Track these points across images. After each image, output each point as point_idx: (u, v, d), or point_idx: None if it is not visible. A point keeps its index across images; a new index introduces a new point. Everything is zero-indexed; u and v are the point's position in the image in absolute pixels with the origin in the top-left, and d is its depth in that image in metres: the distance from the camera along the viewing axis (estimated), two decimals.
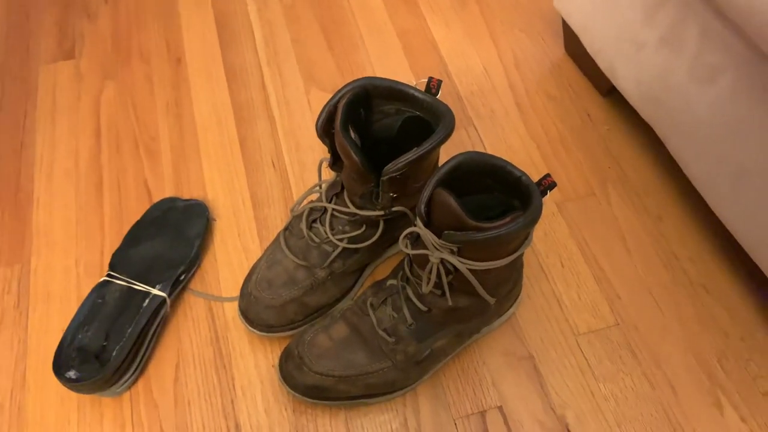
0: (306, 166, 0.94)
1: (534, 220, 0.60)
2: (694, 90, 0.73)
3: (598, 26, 0.88)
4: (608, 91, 0.98)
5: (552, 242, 0.86)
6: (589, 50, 0.92)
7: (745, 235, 0.74)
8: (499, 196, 0.66)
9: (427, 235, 0.62)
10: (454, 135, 0.97)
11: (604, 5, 0.85)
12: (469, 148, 0.96)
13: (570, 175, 0.92)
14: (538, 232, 0.87)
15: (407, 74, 1.04)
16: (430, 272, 0.64)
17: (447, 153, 0.93)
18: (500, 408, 0.74)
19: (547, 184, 0.62)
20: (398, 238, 0.71)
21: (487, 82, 1.03)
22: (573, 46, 1.01)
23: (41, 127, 0.99)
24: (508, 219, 0.59)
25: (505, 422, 0.73)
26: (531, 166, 0.93)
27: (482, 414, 0.74)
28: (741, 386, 0.75)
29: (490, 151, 0.95)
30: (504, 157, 0.86)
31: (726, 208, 0.75)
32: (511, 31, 1.09)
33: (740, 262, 0.83)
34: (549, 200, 0.90)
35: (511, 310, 0.79)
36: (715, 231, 0.86)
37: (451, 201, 0.59)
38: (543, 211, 0.89)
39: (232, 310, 0.81)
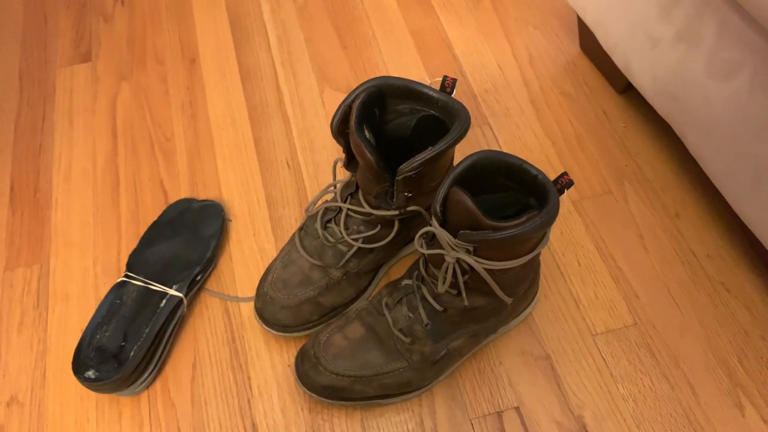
0: (320, 165, 0.94)
1: (551, 220, 0.59)
2: (712, 86, 0.72)
3: (613, 22, 0.87)
4: (624, 88, 0.97)
5: (568, 241, 0.86)
6: (604, 46, 0.91)
7: (766, 232, 0.72)
8: (516, 195, 0.66)
9: (442, 234, 0.62)
10: (469, 134, 0.96)
11: (619, 0, 0.84)
12: (484, 147, 0.95)
13: (586, 172, 0.91)
14: (555, 230, 0.86)
15: (421, 73, 1.03)
16: (446, 272, 0.64)
17: (462, 152, 0.93)
18: (517, 408, 0.74)
19: (564, 183, 0.62)
20: (413, 238, 0.71)
21: (502, 80, 1.02)
22: (588, 42, 1.00)
23: (59, 129, 1.00)
24: (524, 218, 0.58)
25: (522, 423, 0.73)
26: (546, 164, 0.92)
27: (499, 414, 0.74)
28: (762, 386, 0.74)
29: (505, 150, 0.94)
30: (519, 156, 0.86)
31: (746, 205, 0.74)
32: (525, 28, 1.08)
33: (760, 259, 0.82)
34: (565, 198, 0.89)
35: (528, 310, 0.78)
36: (733, 228, 0.85)
37: (467, 200, 0.58)
38: (559, 210, 0.88)
39: (248, 310, 0.82)
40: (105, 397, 0.76)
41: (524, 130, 0.96)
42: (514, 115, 0.98)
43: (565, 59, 1.04)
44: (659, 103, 0.83)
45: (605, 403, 0.74)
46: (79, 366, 0.72)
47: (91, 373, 0.72)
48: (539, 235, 0.63)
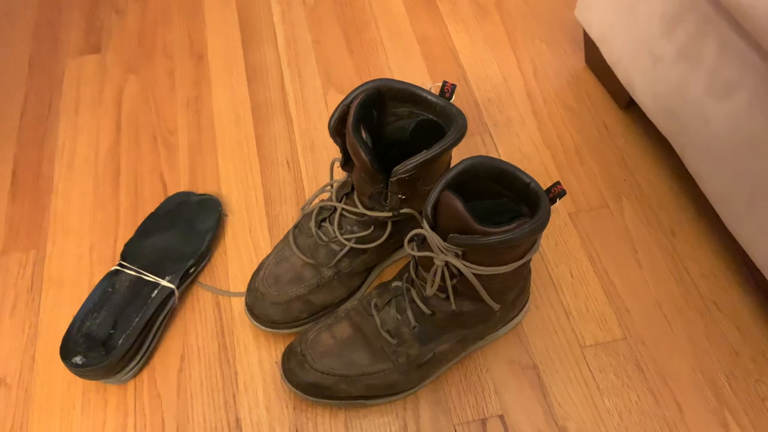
0: (320, 166, 0.94)
1: (540, 227, 0.59)
2: (711, 104, 0.72)
3: (618, 37, 0.87)
4: (627, 103, 0.97)
5: (563, 253, 0.86)
6: (607, 61, 0.91)
7: (759, 254, 0.72)
8: (508, 202, 0.66)
9: (432, 237, 0.62)
10: (469, 141, 0.97)
11: (624, 16, 0.85)
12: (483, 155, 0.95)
13: (584, 185, 0.92)
14: (549, 242, 0.87)
15: (425, 80, 1.04)
16: (435, 275, 0.64)
17: (461, 159, 0.93)
18: (501, 417, 0.74)
19: (556, 192, 0.62)
20: None
21: (505, 90, 1.02)
22: (593, 57, 1.01)
23: (64, 118, 1.01)
24: (514, 225, 0.59)
25: (506, 431, 0.73)
26: (545, 175, 0.93)
27: (483, 422, 0.73)
28: (749, 407, 0.74)
29: (504, 159, 0.94)
30: (518, 165, 0.86)
31: (740, 225, 0.74)
32: (531, 40, 1.09)
33: (753, 281, 0.82)
34: (561, 210, 0.89)
35: (517, 319, 0.78)
36: (728, 248, 0.85)
37: (458, 204, 0.59)
38: (555, 221, 0.88)
39: (239, 304, 0.82)
40: (91, 385, 0.77)
41: (525, 140, 0.97)
42: (515, 125, 0.98)
43: (569, 73, 1.04)
44: (659, 120, 0.83)
45: (590, 416, 0.74)
46: (67, 351, 0.73)
47: (78, 359, 0.72)
48: (529, 243, 0.63)
